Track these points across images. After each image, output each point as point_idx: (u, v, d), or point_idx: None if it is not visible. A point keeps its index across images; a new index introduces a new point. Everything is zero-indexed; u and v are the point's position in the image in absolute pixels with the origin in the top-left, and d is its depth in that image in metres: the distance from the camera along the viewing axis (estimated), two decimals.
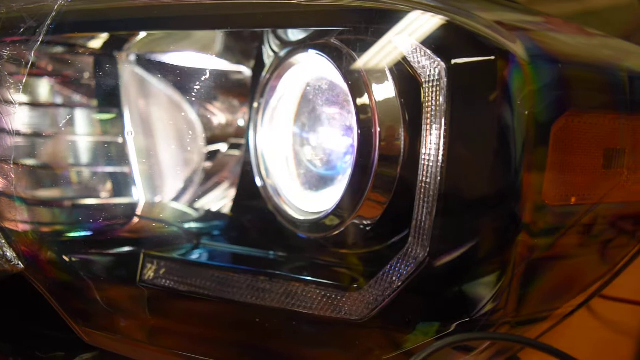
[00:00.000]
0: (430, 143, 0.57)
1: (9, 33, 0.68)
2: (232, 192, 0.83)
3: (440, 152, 0.56)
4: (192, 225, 0.81)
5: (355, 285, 0.62)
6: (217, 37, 0.79)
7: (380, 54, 0.61)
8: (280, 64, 0.73)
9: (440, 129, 0.56)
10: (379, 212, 0.63)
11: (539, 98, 0.58)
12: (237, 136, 0.84)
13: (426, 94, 0.57)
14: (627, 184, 0.67)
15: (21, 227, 0.71)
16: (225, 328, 0.70)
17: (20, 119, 0.72)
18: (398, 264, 0.59)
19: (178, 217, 0.82)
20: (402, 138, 0.61)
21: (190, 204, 0.82)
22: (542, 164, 0.58)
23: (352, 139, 0.63)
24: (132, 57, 0.78)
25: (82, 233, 0.75)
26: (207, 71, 0.79)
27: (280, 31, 0.73)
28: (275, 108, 0.75)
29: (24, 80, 0.69)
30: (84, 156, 0.78)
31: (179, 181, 0.82)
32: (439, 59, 0.56)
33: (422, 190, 0.57)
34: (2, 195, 0.69)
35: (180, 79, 0.80)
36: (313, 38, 0.68)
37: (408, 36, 0.58)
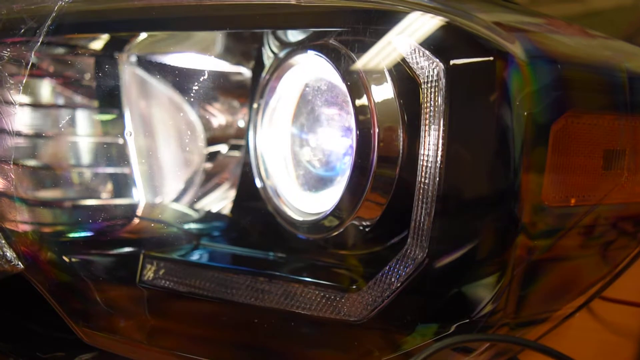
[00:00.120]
0: (429, 144, 0.56)
1: (9, 34, 0.68)
2: (233, 194, 0.83)
3: (439, 153, 0.56)
4: (192, 226, 0.81)
5: (354, 287, 0.62)
6: (218, 38, 0.79)
7: (379, 55, 0.61)
8: (279, 65, 0.73)
9: (439, 130, 0.56)
10: (378, 213, 0.63)
11: (538, 99, 0.58)
12: (237, 137, 0.84)
13: (425, 95, 0.57)
14: (627, 185, 0.67)
15: (21, 227, 0.71)
16: (224, 329, 0.70)
17: (21, 119, 0.72)
18: (397, 265, 0.59)
19: (178, 218, 0.81)
20: (401, 139, 0.61)
21: (191, 205, 0.82)
22: (541, 165, 0.58)
23: (351, 140, 0.63)
24: (133, 59, 0.78)
25: (83, 234, 0.75)
26: (208, 72, 0.79)
27: (280, 32, 0.73)
28: (274, 109, 0.75)
29: (24, 81, 0.69)
30: (85, 157, 0.78)
31: (180, 182, 0.82)
32: (437, 60, 0.56)
33: (421, 191, 0.57)
34: (2, 195, 0.69)
35: (181, 80, 0.80)
36: (312, 39, 0.68)
37: (407, 37, 0.58)
